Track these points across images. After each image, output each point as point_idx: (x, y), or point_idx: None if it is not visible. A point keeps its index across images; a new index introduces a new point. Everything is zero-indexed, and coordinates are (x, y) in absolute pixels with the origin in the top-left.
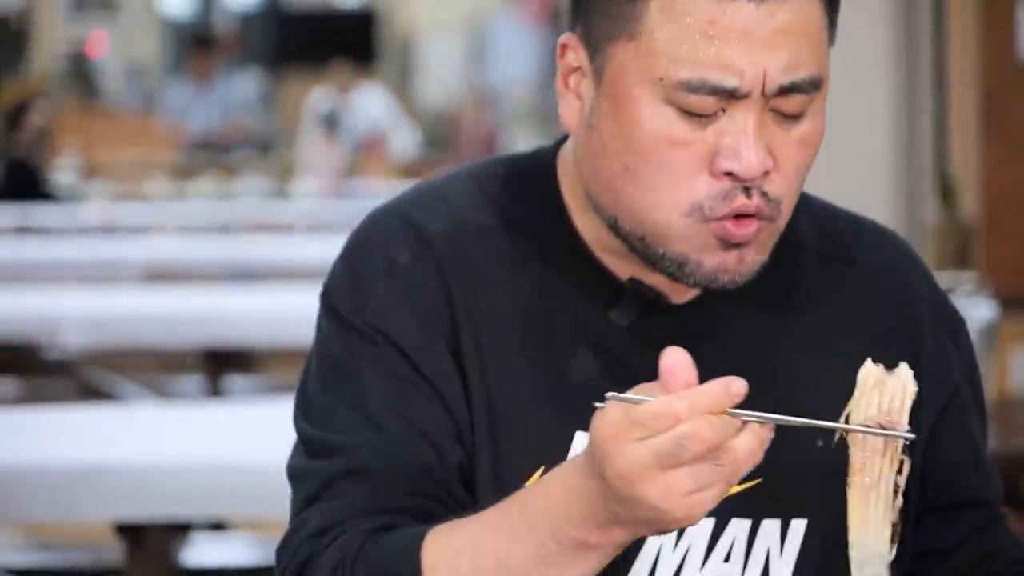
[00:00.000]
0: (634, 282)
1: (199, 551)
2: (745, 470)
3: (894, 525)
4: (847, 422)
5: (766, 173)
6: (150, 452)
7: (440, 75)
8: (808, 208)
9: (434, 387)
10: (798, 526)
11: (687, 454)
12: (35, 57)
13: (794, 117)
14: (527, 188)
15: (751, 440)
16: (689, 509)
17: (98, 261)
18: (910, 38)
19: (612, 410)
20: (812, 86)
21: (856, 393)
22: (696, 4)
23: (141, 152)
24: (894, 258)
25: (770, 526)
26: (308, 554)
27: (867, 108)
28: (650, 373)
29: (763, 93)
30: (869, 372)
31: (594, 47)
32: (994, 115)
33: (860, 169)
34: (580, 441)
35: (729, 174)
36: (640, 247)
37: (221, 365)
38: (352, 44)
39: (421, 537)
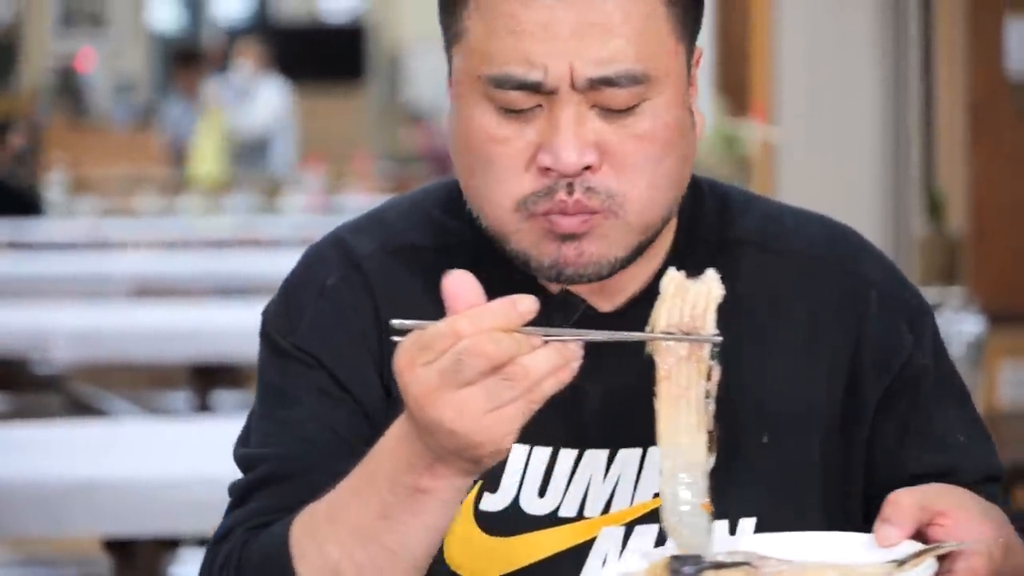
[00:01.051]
0: (562, 293)
1: (188, 566)
2: (549, 389)
3: (710, 432)
4: (652, 332)
5: (588, 168)
6: (138, 467)
7: (429, 89)
8: (751, 206)
9: (360, 404)
10: (747, 525)
11: (470, 370)
12: (24, 72)
13: (625, 111)
14: (464, 206)
15: (549, 358)
16: (489, 431)
17: (86, 276)
18: (898, 52)
19: (406, 340)
20: (630, 80)
21: (658, 301)
22: (502, 0)
23: (130, 167)
24: (837, 245)
25: (719, 527)
26: (211, 557)
27: (855, 122)
28: (585, 381)
29: (573, 87)
30: (671, 279)
31: (447, 56)
32: (982, 129)
33: (848, 183)
34: (515, 453)
35: (550, 170)
36: (499, 247)
37: (209, 380)
38: (341, 58)
39: (295, 517)
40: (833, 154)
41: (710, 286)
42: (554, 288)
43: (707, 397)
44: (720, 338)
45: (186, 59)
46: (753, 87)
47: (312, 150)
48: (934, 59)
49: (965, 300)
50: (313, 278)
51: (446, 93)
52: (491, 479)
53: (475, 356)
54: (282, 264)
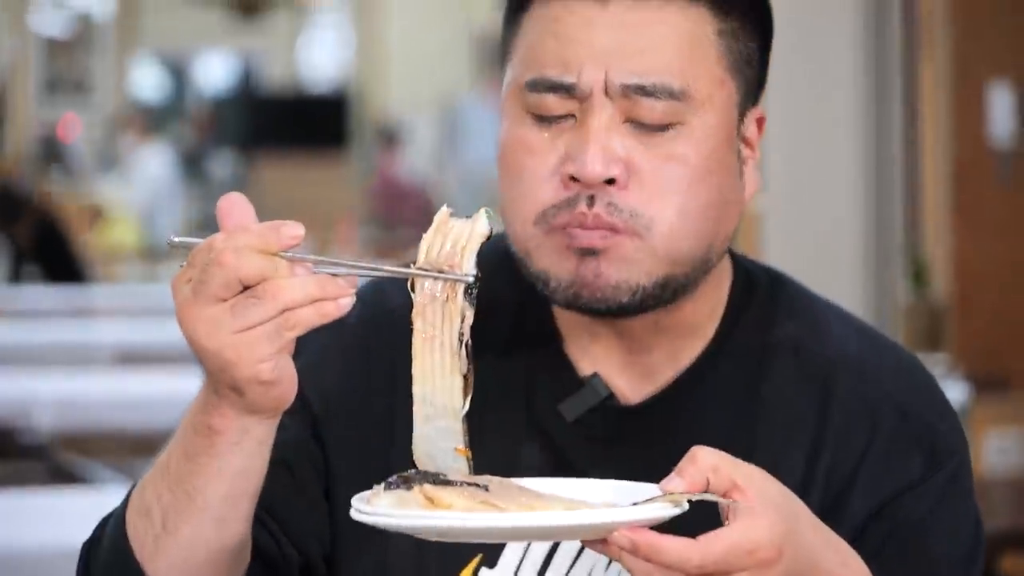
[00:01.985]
0: (592, 378)
1: None
2: (307, 319)
3: (464, 376)
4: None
5: (613, 182)
6: None
7: (412, 156)
8: (800, 308)
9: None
10: None
11: (214, 283)
12: (8, 137)
13: (657, 129)
14: (510, 268)
15: (304, 284)
16: (238, 350)
17: (70, 344)
18: (881, 120)
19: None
20: (666, 93)
21: (424, 237)
22: (548, 6)
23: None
24: (873, 357)
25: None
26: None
27: (838, 189)
28: (593, 471)
29: (606, 93)
30: (440, 214)
31: (502, 78)
32: (965, 197)
33: (831, 250)
34: None
35: (575, 180)
36: (525, 275)
37: None
38: (325, 127)
39: None
40: (817, 222)
41: (474, 224)
42: (587, 371)
43: (461, 340)
44: (471, 278)
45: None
46: None
47: (297, 218)
48: (917, 125)
49: (949, 367)
50: (324, 332)
51: (427, 158)
52: (491, 554)
53: (218, 267)
54: None
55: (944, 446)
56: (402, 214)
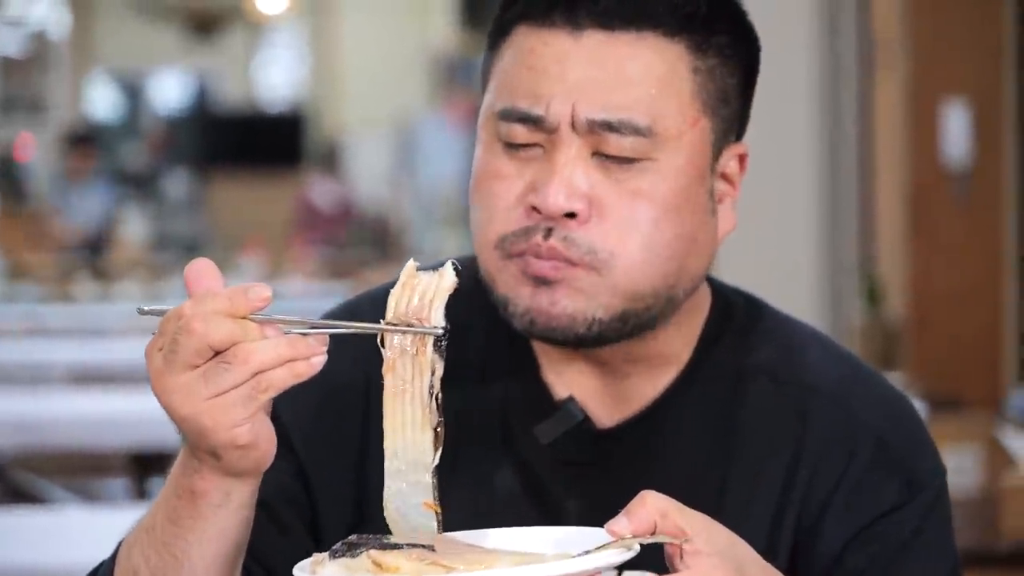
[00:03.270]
0: (568, 401)
1: None
2: (279, 381)
3: (435, 430)
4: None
5: (574, 216)
6: (78, 556)
7: (368, 176)
8: (778, 334)
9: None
10: None
11: (184, 351)
12: None
13: (624, 162)
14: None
15: (276, 346)
16: (214, 417)
17: (24, 363)
18: (835, 139)
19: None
20: (632, 130)
21: (391, 292)
22: (525, 37)
23: (67, 254)
24: (851, 385)
25: None
26: None
27: (793, 208)
28: (567, 494)
29: (573, 127)
30: (406, 267)
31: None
32: (920, 216)
33: (786, 269)
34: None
35: (537, 210)
36: (491, 299)
37: (147, 468)
38: (280, 146)
39: None
40: (771, 241)
41: (441, 277)
42: (562, 395)
43: (431, 393)
44: (440, 331)
45: (77, 142)
46: None
47: (251, 236)
48: (872, 146)
49: (905, 386)
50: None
51: (380, 179)
52: None
53: (187, 335)
54: None
55: (922, 474)
56: (316, 236)
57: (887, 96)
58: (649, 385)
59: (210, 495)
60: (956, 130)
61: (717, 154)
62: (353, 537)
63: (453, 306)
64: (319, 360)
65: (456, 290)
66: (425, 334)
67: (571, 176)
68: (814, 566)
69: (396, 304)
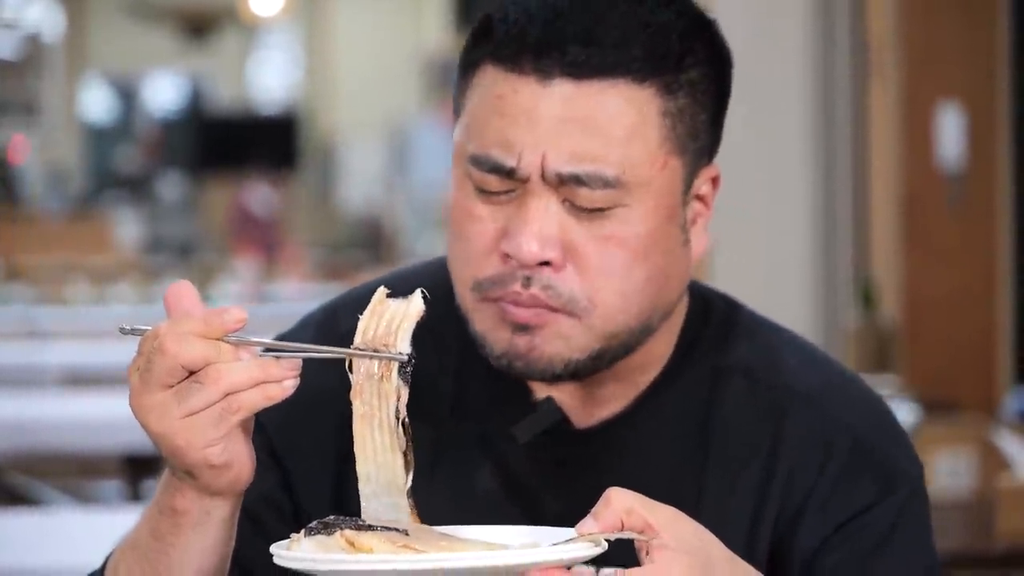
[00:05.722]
0: (545, 401)
1: None
2: (250, 402)
3: (405, 453)
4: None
5: (550, 264)
6: (71, 558)
7: (361, 178)
8: (757, 335)
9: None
10: None
11: (158, 370)
12: None
13: (595, 211)
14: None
15: (248, 368)
16: (187, 436)
17: (17, 366)
18: (830, 145)
19: None
20: (600, 182)
21: (361, 317)
22: (494, 80)
23: (63, 256)
24: (828, 388)
25: None
26: None
27: (787, 213)
28: (546, 494)
29: (544, 179)
30: (376, 295)
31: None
32: (914, 221)
33: (780, 274)
34: None
35: (510, 257)
36: (468, 330)
37: (140, 470)
38: (273, 148)
39: None
40: (765, 246)
41: (409, 304)
42: (541, 394)
43: (398, 418)
44: (404, 357)
45: None
46: None
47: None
48: (866, 151)
49: (898, 390)
50: (293, 339)
51: (374, 181)
52: None
53: (161, 355)
54: None
55: (898, 473)
56: (250, 240)
57: (881, 101)
58: (628, 388)
59: (190, 513)
60: (950, 135)
61: (688, 186)
62: (330, 517)
63: (432, 307)
64: (291, 383)
65: (434, 293)
66: (391, 359)
67: (543, 225)
68: (792, 563)
69: (364, 329)
